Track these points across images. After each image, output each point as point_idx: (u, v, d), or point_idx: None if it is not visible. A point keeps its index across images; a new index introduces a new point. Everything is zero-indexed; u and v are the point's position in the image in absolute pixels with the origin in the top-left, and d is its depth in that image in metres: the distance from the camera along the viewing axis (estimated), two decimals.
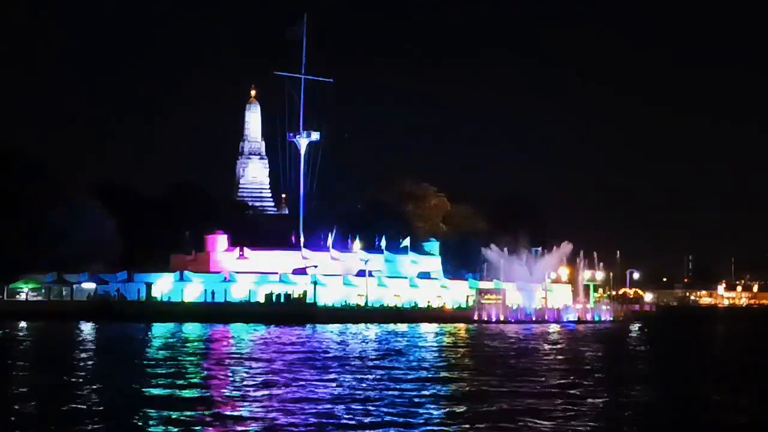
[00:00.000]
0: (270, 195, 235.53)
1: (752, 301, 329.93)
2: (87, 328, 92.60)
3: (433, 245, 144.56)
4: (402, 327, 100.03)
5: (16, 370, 49.22)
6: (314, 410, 33.43)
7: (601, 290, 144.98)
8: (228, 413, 32.89)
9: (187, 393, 38.31)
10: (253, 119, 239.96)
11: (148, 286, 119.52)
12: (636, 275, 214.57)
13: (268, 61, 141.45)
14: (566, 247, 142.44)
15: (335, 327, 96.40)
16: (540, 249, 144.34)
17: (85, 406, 34.28)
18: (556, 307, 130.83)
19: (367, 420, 31.63)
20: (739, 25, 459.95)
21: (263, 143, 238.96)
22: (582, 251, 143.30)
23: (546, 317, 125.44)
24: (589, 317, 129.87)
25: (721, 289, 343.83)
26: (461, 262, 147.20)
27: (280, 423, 30.85)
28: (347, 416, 32.26)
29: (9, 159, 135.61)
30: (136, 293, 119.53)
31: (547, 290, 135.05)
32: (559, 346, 74.20)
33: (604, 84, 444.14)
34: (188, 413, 32.70)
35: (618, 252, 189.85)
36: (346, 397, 37.16)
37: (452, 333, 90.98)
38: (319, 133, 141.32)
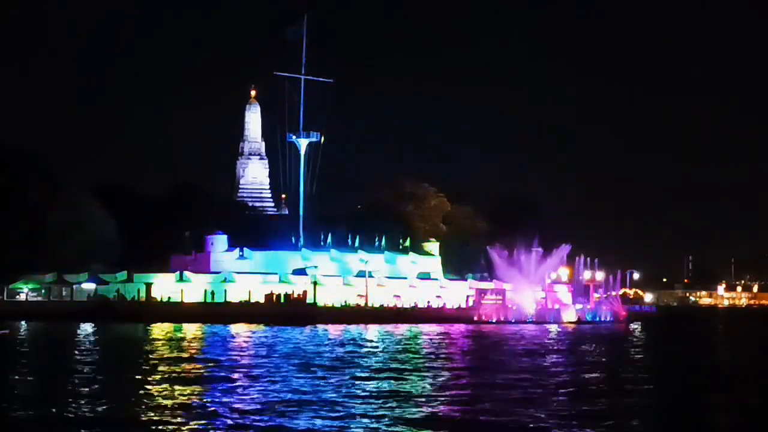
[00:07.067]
0: (270, 195, 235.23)
1: (752, 302, 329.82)
2: (87, 329, 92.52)
3: (433, 245, 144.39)
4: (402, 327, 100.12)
5: (16, 369, 49.18)
6: None
7: (601, 290, 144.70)
8: None
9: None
10: (253, 119, 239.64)
11: (148, 286, 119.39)
12: (636, 275, 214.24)
13: (268, 61, 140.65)
14: (566, 248, 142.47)
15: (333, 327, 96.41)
16: (540, 249, 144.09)
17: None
18: (556, 307, 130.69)
19: None
20: (736, 18, 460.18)
21: (263, 143, 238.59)
22: (582, 251, 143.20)
23: (546, 318, 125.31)
24: (589, 317, 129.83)
25: (721, 289, 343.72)
26: (461, 262, 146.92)
27: None
28: None
29: (9, 158, 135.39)
30: (136, 293, 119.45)
31: (547, 291, 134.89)
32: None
33: (606, 84, 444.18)
34: None
35: (617, 252, 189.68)
36: None
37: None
38: (318, 133, 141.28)
